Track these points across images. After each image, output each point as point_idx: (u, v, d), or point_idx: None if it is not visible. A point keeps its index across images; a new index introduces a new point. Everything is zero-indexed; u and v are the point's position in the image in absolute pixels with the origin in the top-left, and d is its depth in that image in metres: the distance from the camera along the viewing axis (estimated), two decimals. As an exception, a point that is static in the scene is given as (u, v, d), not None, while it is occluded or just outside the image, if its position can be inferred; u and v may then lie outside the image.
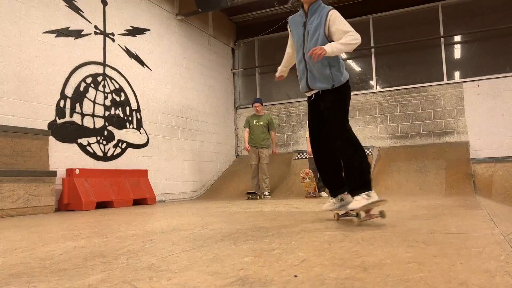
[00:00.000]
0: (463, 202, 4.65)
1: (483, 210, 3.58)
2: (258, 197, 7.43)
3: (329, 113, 3.03)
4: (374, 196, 2.85)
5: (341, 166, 3.08)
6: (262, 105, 7.99)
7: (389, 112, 9.16)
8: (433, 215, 3.25)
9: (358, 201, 2.83)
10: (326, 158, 3.17)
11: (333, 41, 2.96)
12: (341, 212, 3.14)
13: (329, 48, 2.83)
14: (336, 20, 2.98)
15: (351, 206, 2.86)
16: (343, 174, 3.07)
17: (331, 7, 3.07)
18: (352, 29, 2.95)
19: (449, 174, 7.37)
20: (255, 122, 7.79)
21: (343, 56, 9.52)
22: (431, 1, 8.96)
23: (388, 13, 9.37)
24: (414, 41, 9.07)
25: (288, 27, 3.37)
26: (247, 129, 7.86)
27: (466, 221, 2.80)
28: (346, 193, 3.09)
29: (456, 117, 8.57)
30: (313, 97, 3.16)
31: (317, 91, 3.10)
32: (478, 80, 8.43)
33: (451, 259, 1.54)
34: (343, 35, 2.90)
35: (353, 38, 2.89)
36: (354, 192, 2.92)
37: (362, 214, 2.89)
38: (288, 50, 3.49)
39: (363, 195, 2.84)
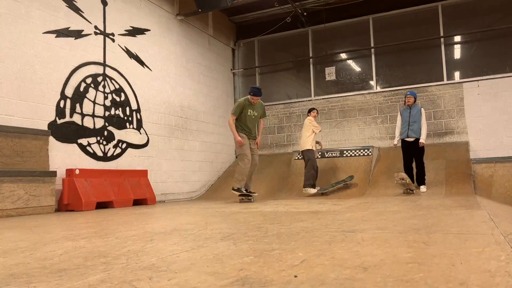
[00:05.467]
0: (463, 202, 4.65)
1: (483, 210, 3.58)
2: (253, 199, 6.55)
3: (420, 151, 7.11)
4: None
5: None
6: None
7: (389, 112, 9.16)
8: (433, 215, 3.25)
9: (423, 187, 6.99)
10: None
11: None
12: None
13: (423, 140, 6.97)
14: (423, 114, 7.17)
15: (422, 190, 6.96)
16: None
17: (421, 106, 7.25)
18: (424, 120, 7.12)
19: (449, 174, 7.37)
20: (250, 112, 6.43)
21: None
22: (431, 1, 8.96)
23: (388, 13, 9.37)
24: (414, 41, 9.07)
25: (399, 113, 7.39)
26: (234, 117, 6.43)
27: (466, 221, 2.80)
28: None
29: (456, 117, 8.57)
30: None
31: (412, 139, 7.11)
32: (478, 80, 8.43)
33: (451, 259, 1.54)
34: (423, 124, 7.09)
35: (425, 128, 7.12)
36: (421, 183, 7.03)
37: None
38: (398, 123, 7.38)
39: (423, 187, 6.96)
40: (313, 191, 7.34)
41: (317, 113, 7.93)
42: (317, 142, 7.91)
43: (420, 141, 6.95)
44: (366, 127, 9.32)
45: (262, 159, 9.90)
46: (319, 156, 8.60)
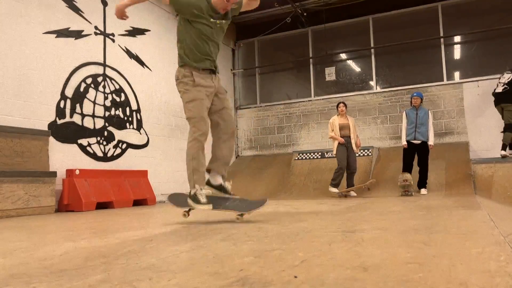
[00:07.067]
0: (463, 202, 4.65)
1: (483, 211, 3.58)
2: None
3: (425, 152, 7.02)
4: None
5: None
6: None
7: (389, 113, 9.16)
8: (433, 215, 3.25)
9: (424, 190, 6.82)
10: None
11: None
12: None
13: (432, 142, 6.93)
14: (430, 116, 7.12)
15: (423, 192, 6.80)
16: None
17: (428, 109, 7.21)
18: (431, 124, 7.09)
19: (449, 174, 7.37)
20: (212, 20, 3.32)
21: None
22: (431, 1, 8.96)
23: (388, 13, 9.37)
24: (414, 41, 9.07)
25: (404, 113, 7.21)
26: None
27: (466, 221, 2.80)
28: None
29: (456, 118, 8.57)
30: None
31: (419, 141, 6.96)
32: (478, 80, 8.43)
33: (451, 260, 1.54)
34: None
35: (433, 130, 7.07)
36: (422, 186, 6.85)
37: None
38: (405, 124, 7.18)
39: (424, 190, 6.81)
40: (333, 190, 7.12)
41: (346, 106, 7.36)
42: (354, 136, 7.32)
43: (430, 143, 6.89)
44: (366, 127, 9.31)
45: (262, 159, 9.92)
46: (359, 154, 8.03)
